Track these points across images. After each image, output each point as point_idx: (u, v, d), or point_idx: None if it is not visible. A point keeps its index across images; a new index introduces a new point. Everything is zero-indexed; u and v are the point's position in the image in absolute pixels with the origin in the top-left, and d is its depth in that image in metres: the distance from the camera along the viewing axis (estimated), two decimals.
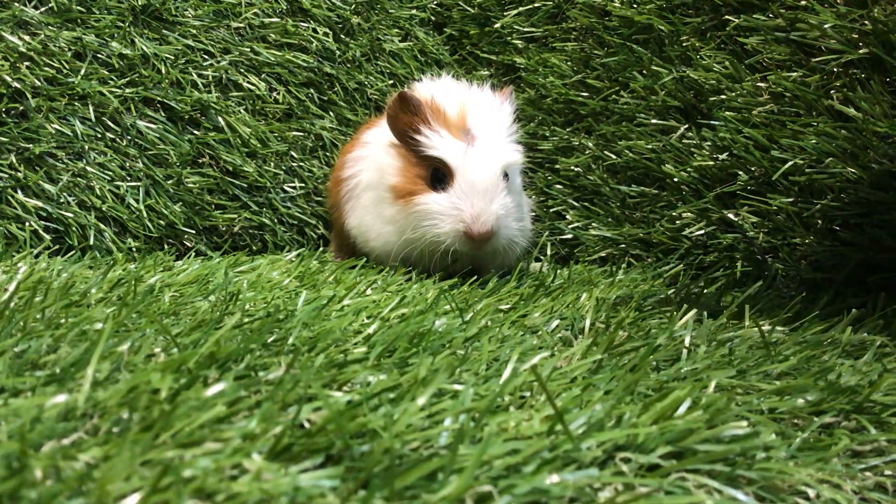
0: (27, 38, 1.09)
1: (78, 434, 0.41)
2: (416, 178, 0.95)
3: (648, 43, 1.16)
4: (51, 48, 1.10)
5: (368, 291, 0.89)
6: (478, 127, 0.95)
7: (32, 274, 0.85)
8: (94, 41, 1.13)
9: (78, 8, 1.14)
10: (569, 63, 1.27)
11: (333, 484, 0.37)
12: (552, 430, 0.42)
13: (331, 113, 1.35)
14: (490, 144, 0.94)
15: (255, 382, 0.49)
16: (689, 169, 1.07)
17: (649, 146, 1.12)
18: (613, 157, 1.18)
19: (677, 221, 1.08)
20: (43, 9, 1.11)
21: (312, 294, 0.80)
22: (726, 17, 1.06)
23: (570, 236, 1.23)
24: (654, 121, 1.13)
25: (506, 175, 0.96)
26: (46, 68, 1.09)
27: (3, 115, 1.05)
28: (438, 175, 0.94)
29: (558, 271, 1.04)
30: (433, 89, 1.01)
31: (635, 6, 1.18)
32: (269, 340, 0.60)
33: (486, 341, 0.61)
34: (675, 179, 1.09)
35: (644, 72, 1.16)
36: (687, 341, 0.62)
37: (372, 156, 1.04)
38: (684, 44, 1.11)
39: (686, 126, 1.10)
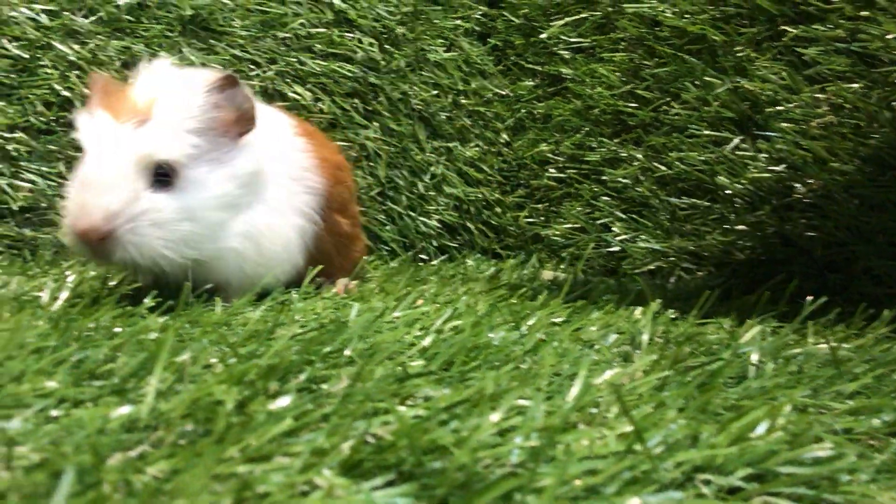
0: (77, 47, 1.09)
1: (143, 446, 0.40)
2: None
3: (701, 53, 1.14)
4: (100, 57, 1.10)
5: (419, 302, 0.88)
6: (158, 112, 0.75)
7: (82, 282, 0.85)
8: (143, 50, 1.14)
9: (127, 17, 1.14)
10: (617, 73, 1.26)
11: (408, 502, 0.35)
12: (630, 450, 0.40)
13: (375, 123, 1.34)
14: (146, 129, 0.74)
15: (318, 395, 0.48)
16: (743, 181, 1.05)
17: (701, 158, 1.10)
18: (663, 168, 1.16)
19: (730, 234, 1.06)
20: (93, 18, 1.12)
21: (364, 305, 0.79)
22: (783, 27, 1.04)
23: (617, 248, 1.21)
24: (706, 132, 1.11)
25: (163, 171, 0.74)
26: (97, 71, 1.10)
27: (53, 124, 1.06)
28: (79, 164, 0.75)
29: (605, 283, 1.02)
30: (145, 71, 0.80)
31: (687, 16, 1.16)
32: (326, 352, 0.59)
33: (545, 355, 0.60)
34: (729, 191, 1.07)
35: (696, 82, 1.14)
36: (755, 358, 0.60)
37: None
38: (739, 54, 1.09)
39: (740, 137, 1.08)
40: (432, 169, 1.38)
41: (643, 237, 1.17)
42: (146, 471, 0.37)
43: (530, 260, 1.22)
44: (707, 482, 0.39)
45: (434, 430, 0.42)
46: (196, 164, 0.76)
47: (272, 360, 0.53)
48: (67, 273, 0.90)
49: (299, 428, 0.41)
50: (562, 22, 1.36)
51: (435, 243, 1.36)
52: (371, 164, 1.32)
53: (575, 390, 0.48)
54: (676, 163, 1.14)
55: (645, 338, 0.69)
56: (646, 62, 1.22)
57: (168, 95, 0.76)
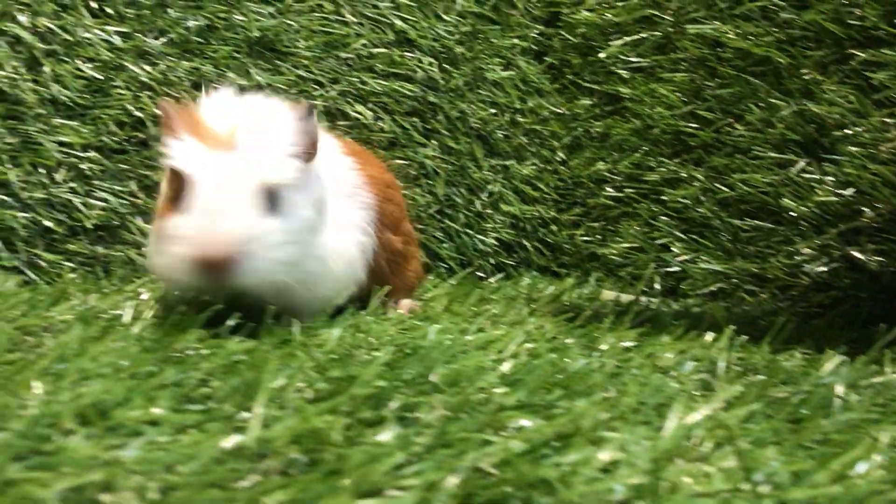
0: (148, 68, 1.12)
1: (256, 476, 0.41)
2: (167, 200, 0.75)
3: (765, 75, 1.14)
4: (170, 78, 1.13)
5: (486, 324, 0.88)
6: (244, 138, 0.74)
7: (159, 302, 0.86)
8: (212, 71, 1.16)
9: (197, 39, 1.17)
10: (677, 93, 1.26)
11: None
12: (736, 489, 0.41)
13: (434, 141, 1.35)
14: (250, 156, 0.74)
15: (415, 424, 0.48)
16: (809, 204, 1.04)
17: (766, 180, 1.10)
18: (725, 189, 1.16)
19: (795, 257, 1.05)
20: (164, 40, 1.14)
21: (436, 327, 0.79)
22: (850, 50, 1.04)
23: (676, 269, 1.21)
24: (771, 154, 1.11)
25: (272, 196, 0.74)
26: (166, 98, 1.12)
27: (125, 143, 1.08)
28: (181, 192, 0.72)
29: (667, 303, 1.02)
30: (209, 100, 0.80)
31: (751, 38, 1.16)
32: (410, 378, 0.60)
33: (629, 384, 0.60)
34: (794, 214, 1.06)
35: (761, 104, 1.14)
36: (839, 390, 0.60)
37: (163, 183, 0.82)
38: (805, 77, 1.09)
39: (806, 160, 1.07)
40: (489, 187, 1.39)
41: (704, 258, 1.16)
42: (264, 501, 0.38)
43: (589, 279, 1.22)
44: None
45: (537, 463, 0.43)
46: (290, 190, 0.76)
47: (365, 387, 0.54)
48: (141, 291, 0.92)
49: (408, 461, 0.42)
50: (621, 42, 1.36)
51: (492, 261, 1.37)
52: (429, 182, 1.33)
53: (671, 424, 0.48)
54: (739, 184, 1.14)
55: (722, 365, 0.69)
56: (707, 83, 1.22)
57: (256, 122, 0.76)
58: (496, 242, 1.38)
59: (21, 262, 0.98)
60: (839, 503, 0.41)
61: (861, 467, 0.44)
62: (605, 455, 0.42)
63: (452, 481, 0.40)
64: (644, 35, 1.33)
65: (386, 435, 0.45)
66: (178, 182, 0.73)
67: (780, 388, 0.63)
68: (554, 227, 1.44)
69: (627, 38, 1.35)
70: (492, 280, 1.30)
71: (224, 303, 0.78)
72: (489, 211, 1.38)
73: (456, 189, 1.36)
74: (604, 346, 0.76)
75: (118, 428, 0.45)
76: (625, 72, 1.35)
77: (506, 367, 0.67)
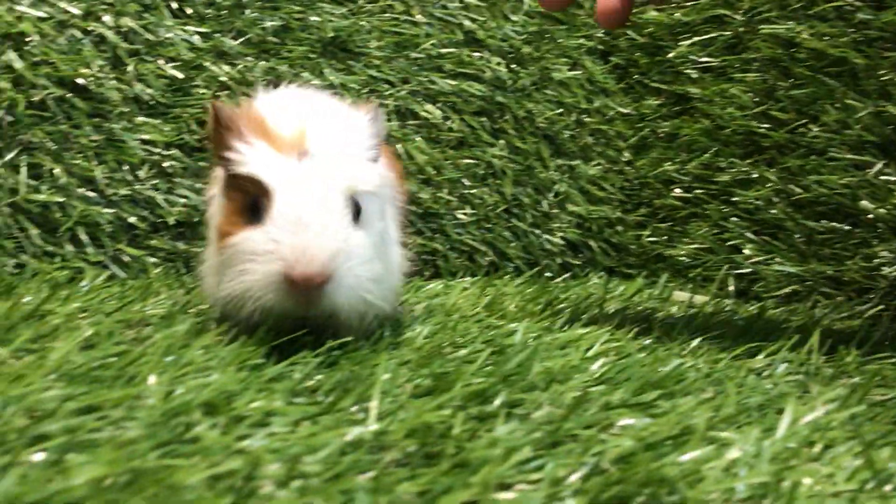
0: (227, 67, 1.14)
1: (377, 469, 0.42)
2: (233, 212, 0.66)
3: (841, 76, 1.13)
4: (248, 77, 1.15)
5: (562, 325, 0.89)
6: (318, 143, 0.66)
7: None
8: (288, 71, 1.18)
9: (273, 39, 1.18)
10: (749, 94, 1.25)
11: None
12: (861, 489, 0.41)
13: (501, 141, 1.36)
14: (330, 161, 0.66)
15: (525, 420, 0.49)
16: (887, 206, 1.03)
17: (842, 181, 1.09)
18: (799, 190, 1.15)
19: (874, 260, 1.04)
20: (242, 40, 1.16)
21: (529, 327, 0.80)
22: None
23: (748, 270, 1.20)
24: (847, 155, 1.10)
25: (356, 205, 0.67)
26: (244, 97, 1.14)
27: (205, 142, 1.10)
28: (256, 204, 0.65)
29: (740, 305, 1.01)
30: (266, 100, 0.74)
31: (826, 38, 1.15)
32: (507, 376, 0.60)
33: (729, 385, 0.60)
34: (871, 216, 1.05)
35: (836, 105, 1.12)
36: None
37: (216, 194, 0.73)
38: (882, 78, 1.07)
39: (884, 162, 1.06)
40: (556, 187, 1.39)
41: (777, 260, 1.15)
42: (396, 490, 0.39)
43: (658, 280, 1.22)
44: None
45: (656, 462, 0.43)
46: (367, 198, 0.68)
47: (468, 383, 0.55)
48: None
49: (533, 456, 0.42)
50: (690, 41, 1.35)
51: (558, 261, 1.37)
52: (497, 181, 1.34)
53: (785, 424, 0.48)
54: (814, 185, 1.13)
55: (813, 367, 0.69)
56: (781, 83, 1.21)
57: (326, 124, 0.68)
58: (562, 242, 1.38)
59: (107, 258, 1.00)
60: None
61: None
62: (729, 454, 0.43)
63: (576, 477, 0.41)
64: (714, 35, 1.32)
65: (502, 430, 0.46)
66: (249, 192, 0.65)
67: (879, 391, 0.62)
68: (620, 228, 1.43)
69: (697, 38, 1.34)
70: (558, 280, 1.30)
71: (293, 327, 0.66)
72: (555, 210, 1.38)
73: (523, 189, 1.36)
74: (694, 343, 0.76)
75: (241, 419, 0.46)
76: (694, 72, 1.34)
77: (596, 366, 0.67)
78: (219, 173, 0.71)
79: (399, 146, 1.25)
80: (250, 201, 0.65)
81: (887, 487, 0.41)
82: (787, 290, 1.14)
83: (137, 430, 0.42)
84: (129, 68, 1.07)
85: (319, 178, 0.65)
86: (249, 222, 0.64)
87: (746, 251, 1.21)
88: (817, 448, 0.48)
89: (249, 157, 0.65)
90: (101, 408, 0.46)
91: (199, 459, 0.39)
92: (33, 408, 0.45)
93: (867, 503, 0.39)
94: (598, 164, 1.44)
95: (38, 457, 0.39)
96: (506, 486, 0.40)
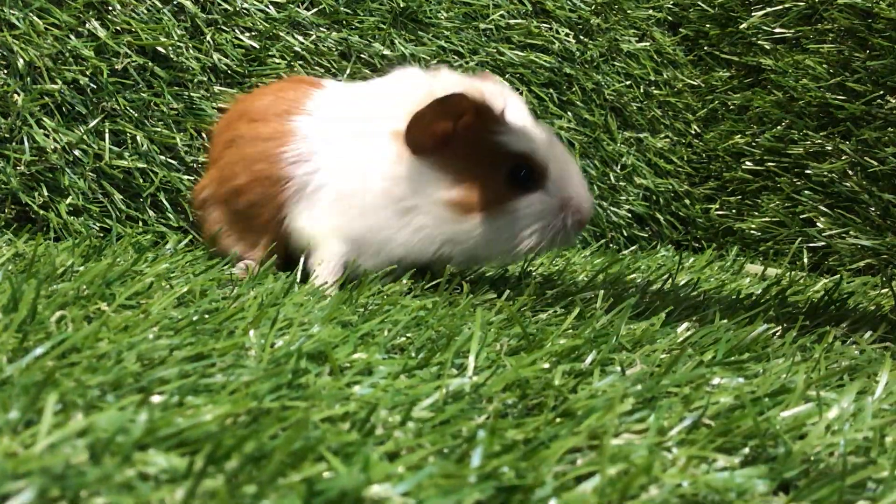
0: (300, 38, 1.15)
1: (482, 417, 0.43)
2: (483, 186, 0.80)
3: None
4: (321, 48, 1.16)
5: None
6: (519, 117, 0.83)
7: None
8: (359, 42, 1.19)
9: (345, 10, 1.19)
10: (824, 65, 1.23)
11: (766, 483, 0.37)
12: None
13: (569, 112, 1.36)
14: (551, 131, 0.85)
15: (620, 376, 0.50)
16: None
17: None
18: (875, 163, 1.13)
19: None
20: (314, 10, 1.18)
21: (605, 295, 0.80)
22: None
23: (821, 244, 1.18)
24: None
25: None
26: (317, 67, 1.15)
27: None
28: (521, 174, 0.80)
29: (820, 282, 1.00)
30: (485, 87, 0.84)
31: None
32: (592, 337, 0.61)
33: (817, 350, 0.60)
34: None
35: None
36: None
37: (345, 162, 0.85)
38: None
39: None
40: (623, 159, 1.39)
41: (852, 233, 1.14)
42: (510, 437, 0.40)
43: (728, 253, 1.21)
44: None
45: (757, 417, 0.43)
46: None
47: (556, 344, 0.55)
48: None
49: (637, 408, 0.43)
50: (763, 12, 1.33)
51: (625, 233, 1.37)
52: None
53: (881, 385, 0.48)
54: (891, 158, 1.11)
55: None
56: (857, 54, 1.19)
57: (516, 103, 0.84)
58: (629, 215, 1.37)
59: (187, 223, 1.02)
60: None
61: None
62: (830, 412, 0.43)
63: (680, 428, 0.41)
64: (788, 5, 1.30)
65: (601, 383, 0.46)
66: (512, 166, 0.80)
67: None
68: (687, 201, 1.42)
69: (770, 9, 1.32)
70: (626, 252, 1.30)
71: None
72: (622, 183, 1.38)
73: (590, 161, 1.36)
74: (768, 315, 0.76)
75: (344, 370, 0.48)
76: (767, 43, 1.32)
77: (680, 329, 0.67)
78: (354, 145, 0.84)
79: None
80: (516, 173, 0.80)
81: None
82: (861, 263, 1.13)
83: (249, 376, 0.43)
84: (208, 38, 1.09)
85: (561, 146, 0.84)
86: (521, 191, 0.80)
87: (820, 224, 1.19)
88: None
89: (522, 138, 0.80)
90: (208, 356, 0.48)
91: (315, 402, 0.40)
92: (144, 356, 0.47)
93: None
94: (666, 137, 1.44)
95: (157, 399, 0.40)
96: (614, 435, 0.40)
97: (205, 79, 1.08)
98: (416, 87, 0.85)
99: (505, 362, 0.52)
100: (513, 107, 0.83)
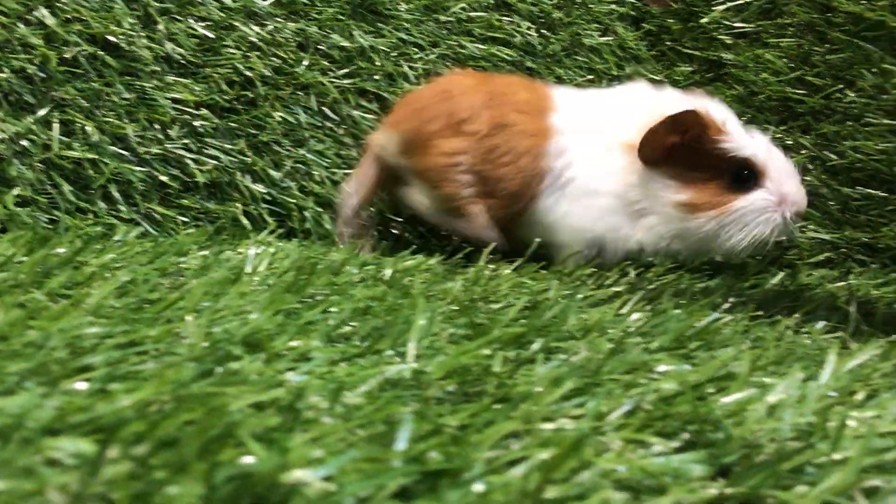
0: (257, 28, 1.13)
1: (418, 404, 0.42)
2: (709, 189, 0.96)
3: (878, 40, 1.11)
4: (278, 39, 1.14)
5: (591, 284, 0.88)
6: (736, 126, 0.98)
7: (278, 253, 0.88)
8: (317, 33, 1.17)
9: (303, 0, 1.18)
10: (784, 59, 1.23)
11: (703, 468, 0.36)
12: None
13: None
14: (759, 133, 0.99)
15: (564, 363, 0.49)
16: None
17: (878, 147, 1.07)
18: (834, 157, 1.14)
19: None
20: (271, 0, 1.16)
21: (557, 284, 0.80)
22: None
23: (781, 238, 1.18)
24: (884, 121, 1.08)
25: None
26: (273, 58, 1.14)
27: (235, 103, 1.10)
28: (742, 176, 0.95)
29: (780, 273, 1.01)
30: (688, 102, 0.98)
31: (863, 2, 1.13)
32: (543, 326, 0.60)
33: (767, 338, 0.60)
34: None
35: (874, 70, 1.11)
36: None
37: (592, 161, 1.02)
38: None
39: None
40: None
41: (812, 227, 1.14)
42: (439, 421, 0.39)
43: None
44: None
45: (699, 403, 0.43)
46: None
47: (505, 331, 0.54)
48: (250, 247, 0.93)
49: (572, 393, 0.42)
50: (724, 7, 1.33)
51: None
52: None
53: (828, 371, 0.48)
54: (850, 152, 1.11)
55: (852, 325, 0.68)
56: (816, 48, 1.19)
57: (719, 112, 0.99)
58: None
59: (139, 215, 1.00)
60: None
61: None
62: (772, 397, 0.42)
63: (619, 413, 0.41)
64: (749, 0, 1.30)
65: (542, 369, 0.46)
66: (735, 169, 0.95)
67: None
68: None
69: (731, 3, 1.32)
70: None
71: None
72: None
73: None
74: (726, 306, 0.75)
75: (284, 356, 0.46)
76: (728, 37, 1.32)
77: (632, 319, 0.67)
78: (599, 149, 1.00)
79: None
80: (739, 176, 0.95)
81: None
82: (820, 256, 1.13)
83: (180, 362, 0.42)
84: (160, 27, 1.07)
85: (776, 149, 0.98)
86: (739, 191, 0.95)
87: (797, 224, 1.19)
88: (860, 395, 0.48)
89: (745, 144, 0.95)
90: (141, 343, 0.46)
91: (243, 389, 0.39)
92: (74, 343, 0.45)
93: None
94: None
95: (81, 386, 0.39)
96: (548, 420, 0.39)
97: (158, 68, 1.06)
98: (645, 102, 1.00)
99: (449, 350, 0.51)
100: (728, 117, 0.98)
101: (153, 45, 1.06)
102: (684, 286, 0.93)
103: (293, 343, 0.49)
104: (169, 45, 1.07)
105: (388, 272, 0.82)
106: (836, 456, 0.37)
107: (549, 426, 0.38)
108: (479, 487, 0.31)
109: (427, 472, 0.33)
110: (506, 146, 1.02)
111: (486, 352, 0.47)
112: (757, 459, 0.38)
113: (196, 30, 1.09)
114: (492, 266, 0.99)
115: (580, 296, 0.79)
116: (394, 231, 1.20)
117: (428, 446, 0.33)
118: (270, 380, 0.41)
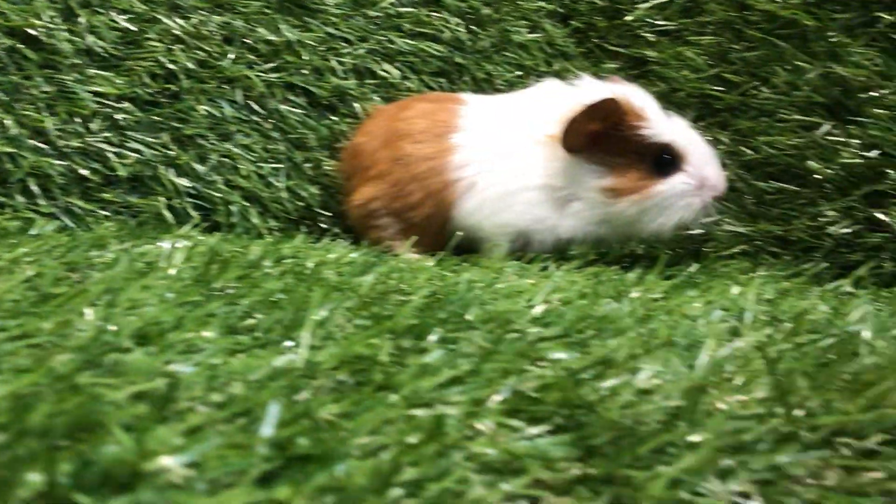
0: (181, 21, 1.13)
1: (306, 393, 0.43)
2: (631, 174, 0.99)
3: (792, 38, 1.14)
4: (202, 32, 1.14)
5: (512, 276, 0.90)
6: (656, 112, 1.02)
7: (197, 246, 0.88)
8: (243, 26, 1.17)
9: None
10: (704, 57, 1.26)
11: (567, 450, 0.38)
12: (771, 413, 0.42)
13: None
14: (679, 119, 1.03)
15: (459, 354, 0.50)
16: (834, 166, 1.05)
17: (790, 142, 1.11)
18: (750, 152, 1.17)
19: (819, 219, 1.06)
20: None
21: (470, 277, 0.81)
22: (877, 13, 1.04)
23: (699, 231, 1.22)
24: (796, 116, 1.12)
25: None
26: (198, 51, 1.14)
27: (158, 96, 1.10)
28: (663, 161, 0.99)
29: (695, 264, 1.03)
30: (607, 90, 1.02)
31: (778, 0, 1.16)
32: (445, 317, 0.62)
33: (660, 326, 0.62)
34: (819, 176, 1.07)
35: (787, 67, 1.14)
36: (867, 335, 0.62)
37: (510, 161, 1.06)
38: (831, 40, 1.09)
39: (832, 123, 1.08)
40: None
41: (728, 220, 1.17)
42: (319, 412, 0.40)
43: None
44: (846, 445, 0.41)
45: (576, 388, 0.44)
46: None
47: (404, 322, 0.56)
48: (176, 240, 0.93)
49: (454, 381, 0.43)
50: (648, 5, 1.36)
51: None
52: None
53: (705, 356, 0.50)
54: (764, 147, 1.15)
55: (749, 315, 0.71)
56: (734, 46, 1.22)
57: (641, 99, 1.03)
58: None
59: (58, 209, 0.99)
60: (870, 429, 0.42)
61: (893, 398, 0.46)
62: (642, 381, 0.44)
63: (497, 399, 0.42)
64: None
65: (430, 357, 0.47)
66: (656, 154, 0.99)
67: (807, 336, 0.64)
68: None
69: (654, 1, 1.35)
70: None
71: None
72: None
73: None
74: (633, 296, 0.77)
75: (173, 348, 0.47)
76: (651, 35, 1.35)
77: (538, 310, 0.68)
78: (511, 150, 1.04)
79: (356, 105, 1.25)
80: (660, 160, 0.99)
81: (798, 412, 0.43)
82: (735, 249, 1.16)
83: (65, 354, 0.42)
84: (81, 20, 1.06)
85: (696, 133, 1.03)
86: (660, 175, 0.99)
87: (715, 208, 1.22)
88: (739, 380, 0.50)
89: (665, 129, 1.00)
90: (34, 336, 0.46)
91: (123, 380, 0.39)
92: None
93: (772, 421, 0.40)
94: None
95: None
96: (427, 406, 0.41)
97: (79, 61, 1.05)
98: (563, 95, 1.03)
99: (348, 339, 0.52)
100: (649, 104, 1.01)
101: (74, 37, 1.06)
102: (603, 278, 0.95)
103: (188, 335, 0.49)
104: (90, 38, 1.06)
105: (310, 265, 0.83)
106: (696, 438, 0.39)
107: (424, 412, 0.39)
108: (340, 470, 0.32)
109: (295, 458, 0.34)
110: (408, 176, 1.08)
111: (377, 341, 0.48)
112: (623, 442, 0.39)
113: (118, 22, 1.09)
114: (416, 258, 1.00)
115: (495, 286, 0.80)
116: (322, 225, 1.21)
117: (295, 432, 0.34)
118: (153, 371, 0.41)
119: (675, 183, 0.99)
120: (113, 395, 0.37)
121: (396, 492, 0.31)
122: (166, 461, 0.31)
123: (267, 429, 0.33)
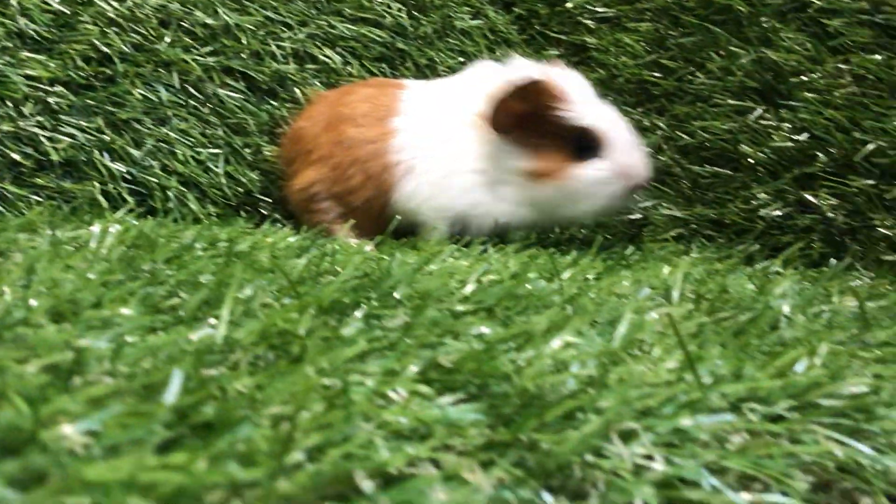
0: (115, 3, 1.11)
1: (222, 368, 0.43)
2: (552, 156, 0.99)
3: (726, 23, 1.16)
4: (137, 15, 1.12)
5: (449, 259, 0.90)
6: (583, 96, 1.00)
7: (129, 230, 0.87)
8: (179, 10, 1.16)
9: None
10: (642, 43, 1.28)
11: (478, 417, 0.38)
12: (680, 379, 0.43)
13: None
14: (608, 106, 1.02)
15: (380, 328, 0.50)
16: (765, 150, 1.07)
17: (725, 127, 1.13)
18: (686, 137, 1.19)
19: (752, 202, 1.08)
20: None
21: (403, 259, 0.81)
22: None
23: (638, 216, 1.23)
24: (730, 101, 1.13)
25: None
26: (133, 34, 1.12)
27: (92, 80, 1.08)
28: (584, 146, 0.98)
29: (631, 247, 1.05)
30: (536, 71, 1.02)
31: None
32: (375, 296, 0.62)
33: (586, 303, 0.62)
34: (751, 160, 1.09)
35: (721, 52, 1.16)
36: (786, 310, 0.63)
37: (446, 145, 1.06)
38: (764, 25, 1.11)
39: (764, 107, 1.10)
40: None
41: (665, 205, 1.19)
42: (233, 384, 0.40)
43: None
44: (753, 410, 0.42)
45: (494, 359, 0.45)
46: None
47: (334, 295, 0.56)
48: (109, 225, 0.92)
49: (369, 352, 0.44)
50: None
51: None
52: None
53: (622, 328, 0.50)
54: (699, 132, 1.16)
55: (676, 293, 0.72)
56: (671, 32, 1.24)
57: (572, 84, 1.02)
58: None
59: None
60: (776, 395, 0.44)
61: (800, 366, 0.47)
62: (556, 351, 0.45)
63: (412, 370, 0.42)
64: None
65: (349, 330, 0.47)
66: (576, 139, 0.98)
67: (730, 311, 0.65)
68: None
69: None
70: None
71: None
72: None
73: None
74: (565, 276, 0.78)
75: (87, 324, 0.47)
76: (591, 22, 1.36)
77: (468, 289, 0.69)
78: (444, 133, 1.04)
79: (297, 90, 1.24)
80: (580, 145, 0.98)
81: (707, 380, 0.44)
82: (672, 233, 1.18)
83: None
84: (13, 2, 1.04)
85: (620, 120, 1.01)
86: (579, 160, 0.98)
87: (636, 196, 1.24)
88: (657, 352, 0.51)
89: (588, 113, 0.98)
90: None
91: (30, 353, 0.39)
92: None
93: (678, 386, 0.41)
94: None
95: None
96: (340, 377, 0.41)
97: (10, 44, 1.03)
98: (494, 76, 1.02)
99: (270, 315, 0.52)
100: (578, 88, 1.00)
101: (5, 20, 1.03)
102: (540, 260, 0.96)
103: (105, 312, 0.49)
104: (22, 21, 1.04)
105: (244, 248, 0.83)
106: (603, 403, 0.39)
107: (334, 382, 0.40)
108: (241, 435, 0.32)
109: (198, 426, 0.34)
110: (348, 159, 1.08)
111: (296, 315, 0.48)
112: (532, 409, 0.40)
113: (51, 5, 1.07)
114: (355, 242, 1.00)
115: (429, 267, 0.81)
116: (263, 211, 1.20)
117: (198, 400, 0.34)
118: (61, 345, 0.41)
119: (591, 168, 0.98)
120: (18, 368, 0.37)
121: (298, 456, 0.31)
122: (66, 429, 0.31)
123: (169, 396, 0.33)
